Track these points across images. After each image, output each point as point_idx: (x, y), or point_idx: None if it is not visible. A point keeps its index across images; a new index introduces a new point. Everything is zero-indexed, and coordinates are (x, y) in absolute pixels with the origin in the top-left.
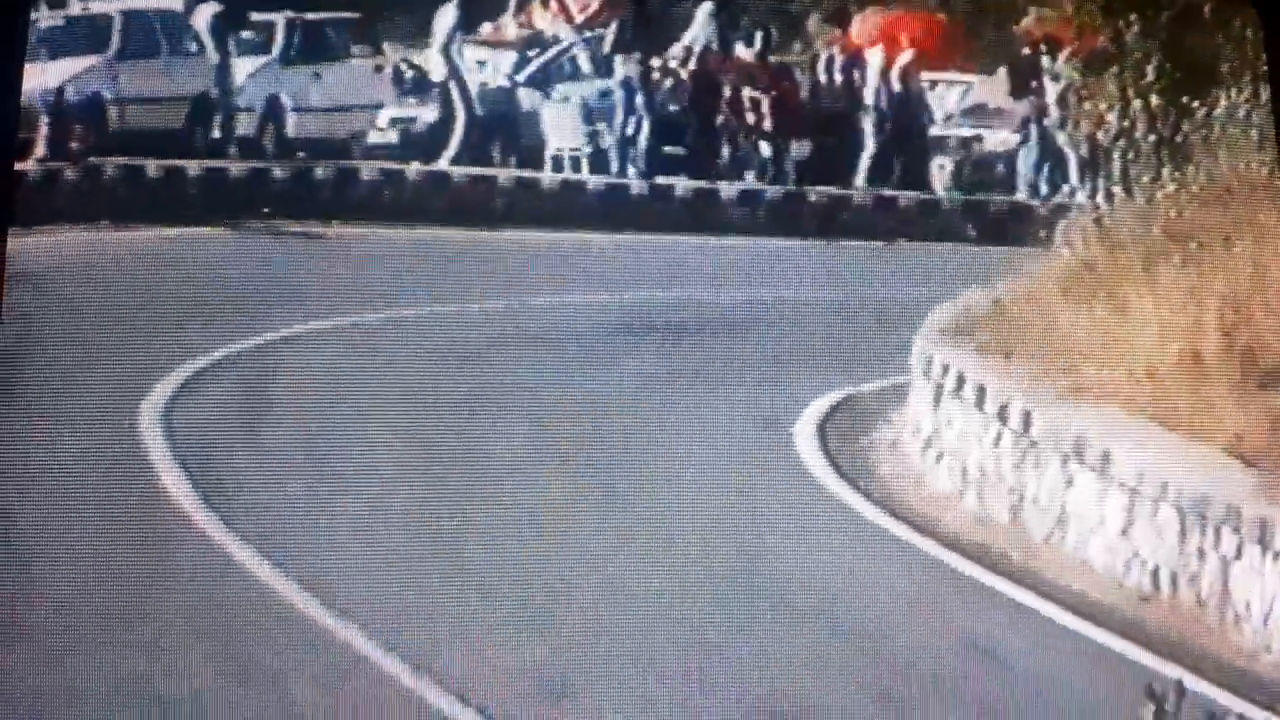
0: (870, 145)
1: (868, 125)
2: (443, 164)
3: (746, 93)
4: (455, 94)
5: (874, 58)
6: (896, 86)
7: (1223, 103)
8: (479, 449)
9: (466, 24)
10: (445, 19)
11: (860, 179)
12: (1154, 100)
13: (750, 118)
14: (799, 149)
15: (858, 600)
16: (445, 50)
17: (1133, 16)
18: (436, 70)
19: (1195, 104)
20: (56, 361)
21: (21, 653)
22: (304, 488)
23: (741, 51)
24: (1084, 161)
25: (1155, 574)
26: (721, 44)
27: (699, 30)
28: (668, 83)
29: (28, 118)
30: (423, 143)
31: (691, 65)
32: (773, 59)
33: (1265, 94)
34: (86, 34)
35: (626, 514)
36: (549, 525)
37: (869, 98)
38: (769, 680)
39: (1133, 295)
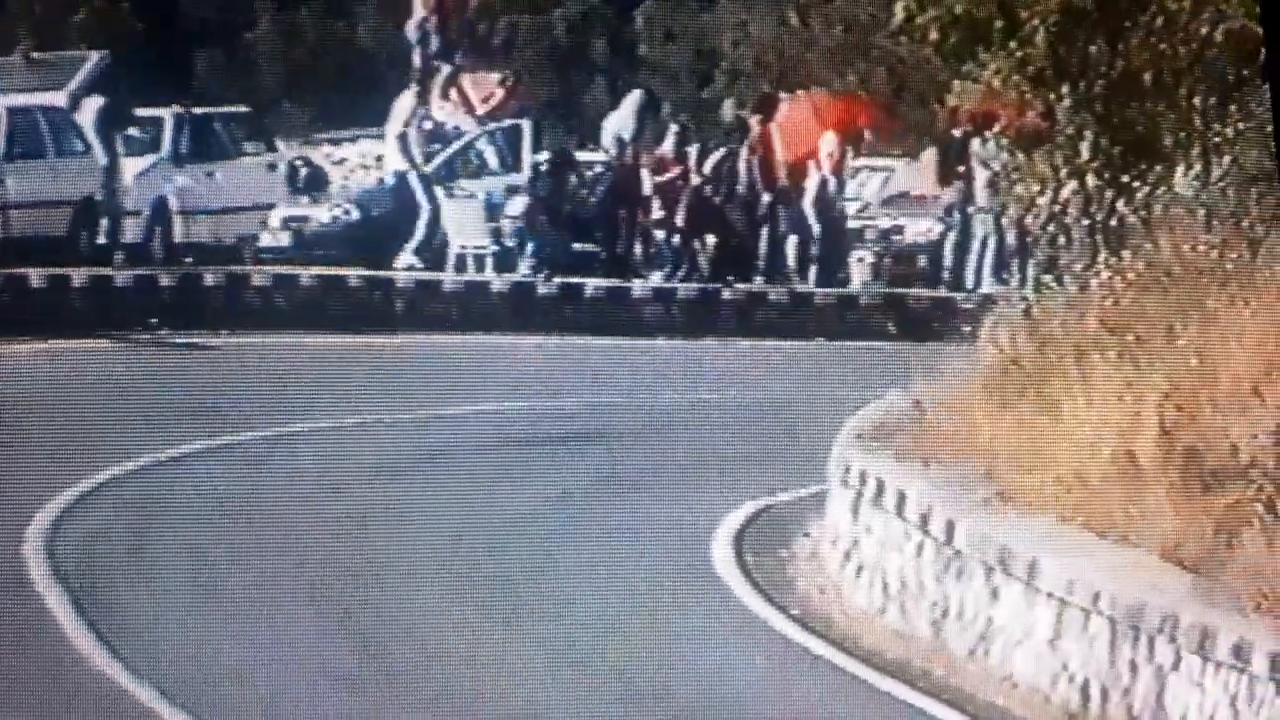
0: (809, 236)
1: (805, 216)
2: (405, 259)
3: (660, 186)
4: (416, 184)
5: (824, 145)
6: (830, 176)
7: (1179, 178)
8: (380, 570)
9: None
10: (403, 105)
11: (791, 273)
12: (1090, 180)
13: (664, 213)
14: (712, 245)
15: None
16: (403, 138)
17: (1064, 88)
18: (392, 160)
19: (1135, 183)
20: None
21: None
22: (195, 614)
23: (664, 146)
24: (1012, 249)
25: (1085, 688)
26: (638, 135)
27: (626, 119)
28: (586, 175)
29: None
30: (316, 243)
31: (611, 158)
32: (689, 150)
33: (1217, 169)
34: None
35: (536, 634)
36: (454, 650)
37: (809, 189)
38: None
39: (1063, 394)
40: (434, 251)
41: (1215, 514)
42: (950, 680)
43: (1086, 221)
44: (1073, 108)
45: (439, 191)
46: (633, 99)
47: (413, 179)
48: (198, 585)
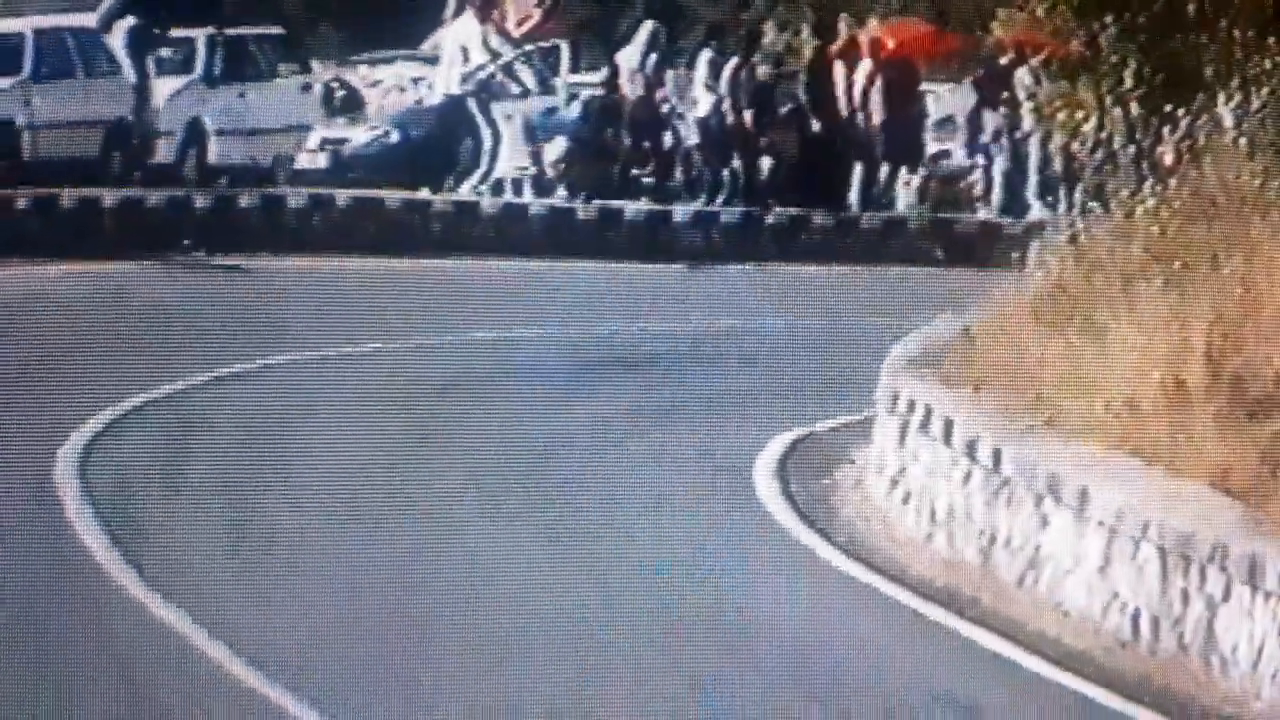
0: (860, 163)
1: (860, 140)
2: (469, 187)
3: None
4: (477, 111)
5: (864, 69)
6: (879, 99)
7: (1221, 108)
8: (418, 496)
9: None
10: (467, 30)
11: (853, 197)
12: (1133, 109)
13: (706, 136)
14: (764, 168)
15: (823, 651)
16: (471, 75)
17: (1108, 18)
18: (443, 83)
19: (1178, 111)
20: None
21: None
22: (229, 540)
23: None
24: (1059, 176)
25: (1135, 618)
26: (642, 65)
27: (633, 51)
28: (627, 96)
29: None
30: (353, 165)
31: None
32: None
33: (1256, 100)
34: None
35: (577, 562)
36: (495, 577)
37: (865, 112)
38: None
39: (1110, 320)
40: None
41: (1261, 443)
42: (999, 608)
43: (1132, 149)
44: (1116, 37)
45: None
46: (643, 30)
47: (472, 105)
48: (234, 511)
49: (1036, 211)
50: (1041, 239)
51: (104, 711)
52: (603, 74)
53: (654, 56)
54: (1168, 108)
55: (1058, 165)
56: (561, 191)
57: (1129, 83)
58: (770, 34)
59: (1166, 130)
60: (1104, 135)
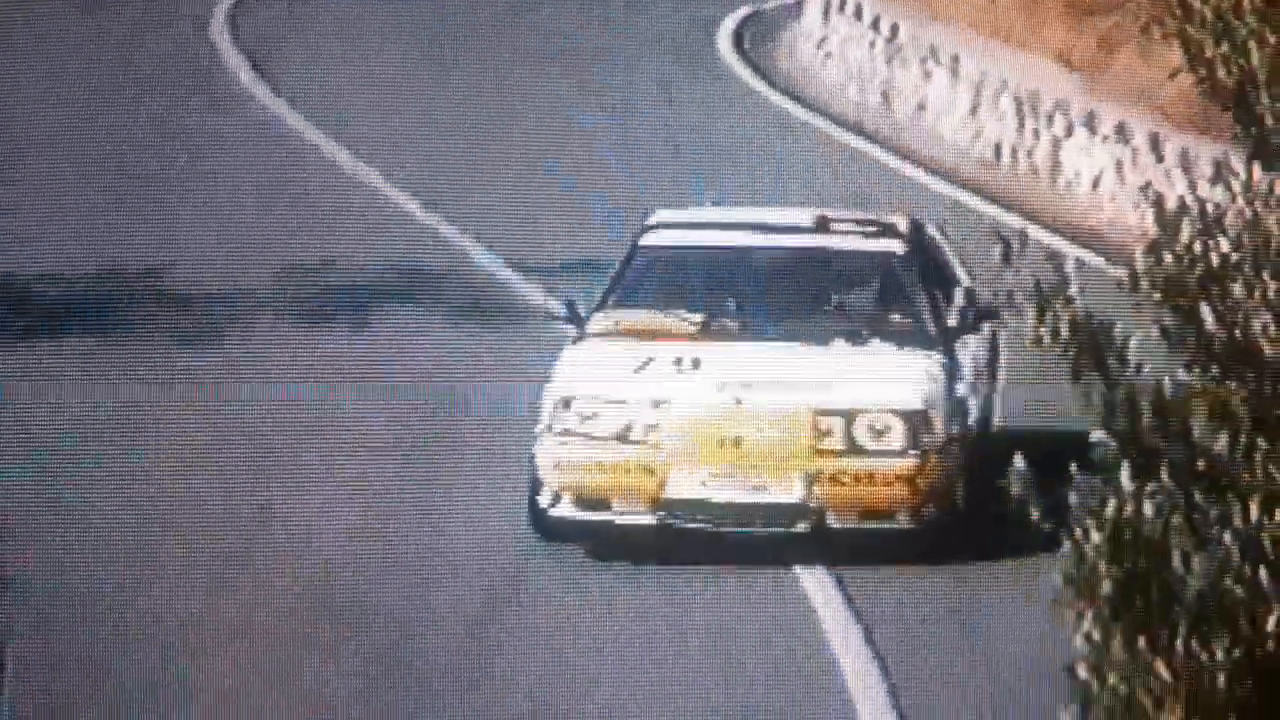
0: None
1: None
2: None
3: None
4: None
5: None
6: None
7: None
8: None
9: None
10: None
11: None
12: None
13: None
14: None
15: (779, 166)
16: None
17: None
18: None
19: None
20: None
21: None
22: (345, 58)
23: None
24: None
25: (997, 147)
26: None
27: None
28: None
29: None
30: None
31: None
32: None
33: None
34: None
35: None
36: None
37: None
38: None
39: None
40: None
41: (1099, 31)
42: (897, 139)
43: None
44: None
45: None
46: None
47: None
48: (354, 37)
49: None
50: None
51: (236, 199)
52: None
53: None
54: None
55: None
56: None
57: None
58: None
59: None
60: None
